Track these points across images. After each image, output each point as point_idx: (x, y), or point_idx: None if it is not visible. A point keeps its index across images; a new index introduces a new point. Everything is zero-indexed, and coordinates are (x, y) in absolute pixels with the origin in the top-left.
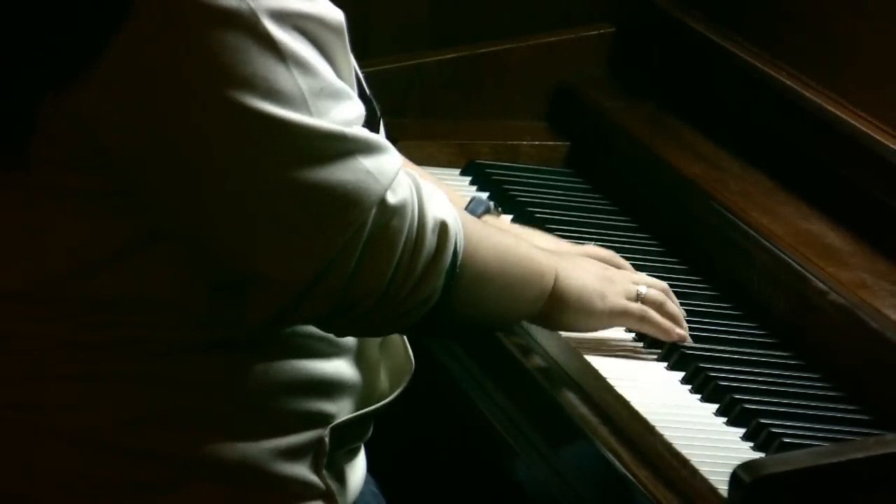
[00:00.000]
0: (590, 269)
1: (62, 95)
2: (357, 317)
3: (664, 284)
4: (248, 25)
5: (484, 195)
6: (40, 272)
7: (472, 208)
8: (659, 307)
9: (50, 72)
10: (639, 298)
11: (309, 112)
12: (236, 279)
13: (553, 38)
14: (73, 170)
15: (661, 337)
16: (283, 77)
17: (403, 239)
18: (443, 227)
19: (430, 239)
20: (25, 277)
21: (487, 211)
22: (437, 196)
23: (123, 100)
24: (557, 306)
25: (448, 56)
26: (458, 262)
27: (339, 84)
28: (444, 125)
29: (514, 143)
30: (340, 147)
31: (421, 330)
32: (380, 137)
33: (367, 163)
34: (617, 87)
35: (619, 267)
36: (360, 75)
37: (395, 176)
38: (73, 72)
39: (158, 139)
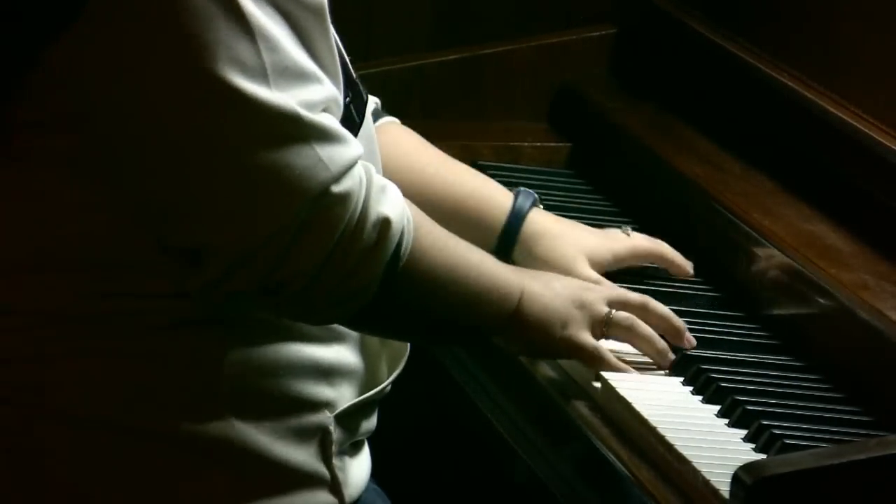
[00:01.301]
0: (562, 293)
1: (42, 55)
2: (289, 298)
3: (642, 301)
4: None
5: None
6: (32, 242)
7: (521, 203)
8: (627, 330)
9: (30, 32)
10: (607, 323)
11: (268, 86)
12: (182, 244)
13: (554, 39)
14: (55, 133)
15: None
16: (247, 49)
17: (341, 228)
18: (385, 224)
19: (370, 233)
20: (21, 248)
21: (535, 204)
22: (390, 194)
23: (95, 56)
24: (519, 330)
25: (449, 57)
26: (401, 262)
27: (307, 66)
28: (446, 126)
29: (516, 144)
30: (295, 130)
31: (364, 326)
32: (339, 127)
33: (321, 151)
34: (618, 88)
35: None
36: (347, 59)
37: (347, 166)
38: (51, 30)
39: (120, 97)
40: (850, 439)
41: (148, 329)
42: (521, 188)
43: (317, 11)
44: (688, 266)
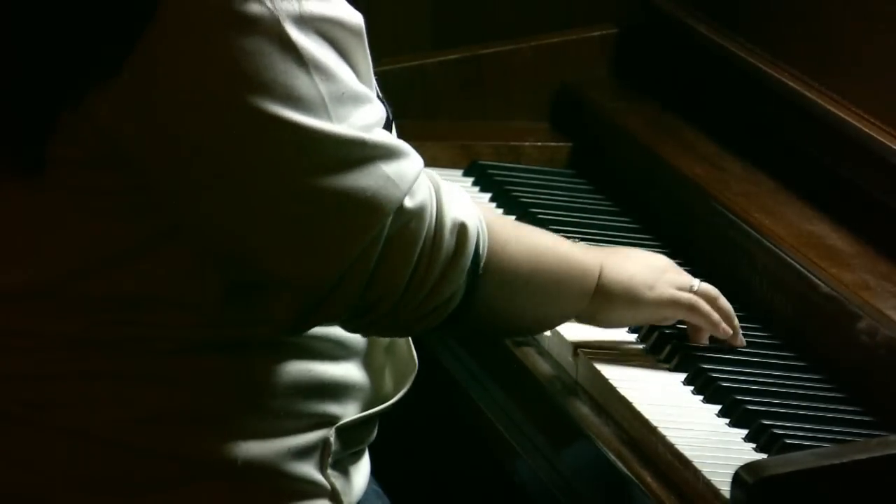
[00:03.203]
0: (639, 260)
1: (87, 97)
2: (377, 317)
3: (715, 291)
4: (271, 31)
5: None
6: (52, 270)
7: None
8: (712, 301)
9: (74, 77)
10: (692, 290)
11: (329, 118)
12: (257, 280)
13: (555, 39)
14: (89, 168)
15: (711, 330)
16: (303, 83)
17: (421, 242)
18: (462, 229)
19: (449, 241)
20: (37, 275)
21: None
22: (458, 197)
23: (146, 104)
24: (604, 303)
25: (450, 57)
26: (481, 264)
27: (359, 88)
28: (447, 126)
29: (517, 143)
30: (361, 153)
31: (452, 329)
32: (400, 141)
33: (388, 168)
34: (619, 88)
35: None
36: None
37: (415, 180)
38: (99, 75)
39: (181, 144)
40: (851, 439)
41: (158, 353)
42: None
43: (357, 32)
44: None
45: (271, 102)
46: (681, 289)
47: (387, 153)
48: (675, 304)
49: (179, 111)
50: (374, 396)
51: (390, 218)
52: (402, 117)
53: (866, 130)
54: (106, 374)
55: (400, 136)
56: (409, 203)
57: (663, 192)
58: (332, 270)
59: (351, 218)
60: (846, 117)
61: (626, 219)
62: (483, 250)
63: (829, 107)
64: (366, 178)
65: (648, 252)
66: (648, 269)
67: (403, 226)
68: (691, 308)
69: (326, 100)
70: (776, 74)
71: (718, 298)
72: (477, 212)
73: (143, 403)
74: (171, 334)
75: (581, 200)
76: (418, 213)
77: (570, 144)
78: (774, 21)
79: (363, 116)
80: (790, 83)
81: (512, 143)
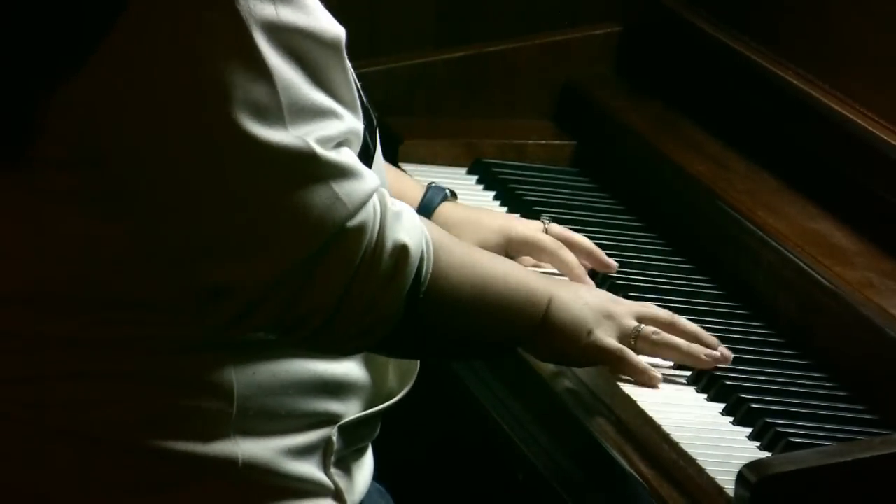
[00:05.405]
0: (591, 302)
1: (57, 93)
2: (313, 331)
3: (671, 318)
4: (238, 37)
5: (443, 184)
6: (43, 271)
7: (430, 197)
8: (655, 343)
9: (45, 69)
10: (635, 336)
11: (285, 128)
12: (201, 280)
13: (559, 38)
14: (71, 169)
15: (637, 379)
16: (263, 91)
17: (357, 261)
18: (402, 252)
19: (387, 262)
20: (28, 277)
21: (445, 199)
22: (405, 219)
23: (110, 98)
24: (545, 336)
25: (454, 55)
26: (423, 288)
27: (324, 102)
28: (451, 124)
29: (521, 142)
30: (312, 170)
31: (392, 350)
32: (356, 161)
33: (338, 188)
34: (623, 86)
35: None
36: (358, 84)
37: (363, 201)
38: (66, 69)
39: (135, 140)
40: (854, 437)
41: (156, 353)
42: (434, 183)
43: (333, 46)
44: (611, 263)
45: (228, 107)
46: (623, 335)
47: (339, 172)
48: (604, 353)
49: (138, 109)
50: (377, 394)
51: (331, 236)
52: (406, 115)
53: (870, 129)
54: (103, 374)
55: (403, 133)
56: (349, 223)
57: (667, 190)
58: (264, 281)
59: (292, 233)
60: (850, 115)
61: (629, 217)
62: (426, 275)
63: (833, 105)
64: (314, 196)
65: (596, 290)
66: (594, 313)
67: (340, 244)
68: (618, 360)
69: (284, 109)
70: (780, 73)
71: (661, 340)
72: (424, 235)
73: (142, 404)
74: (169, 334)
75: (585, 198)
76: (357, 232)
77: (573, 142)
78: (779, 19)
79: (323, 130)
80: (794, 81)
81: (516, 141)
